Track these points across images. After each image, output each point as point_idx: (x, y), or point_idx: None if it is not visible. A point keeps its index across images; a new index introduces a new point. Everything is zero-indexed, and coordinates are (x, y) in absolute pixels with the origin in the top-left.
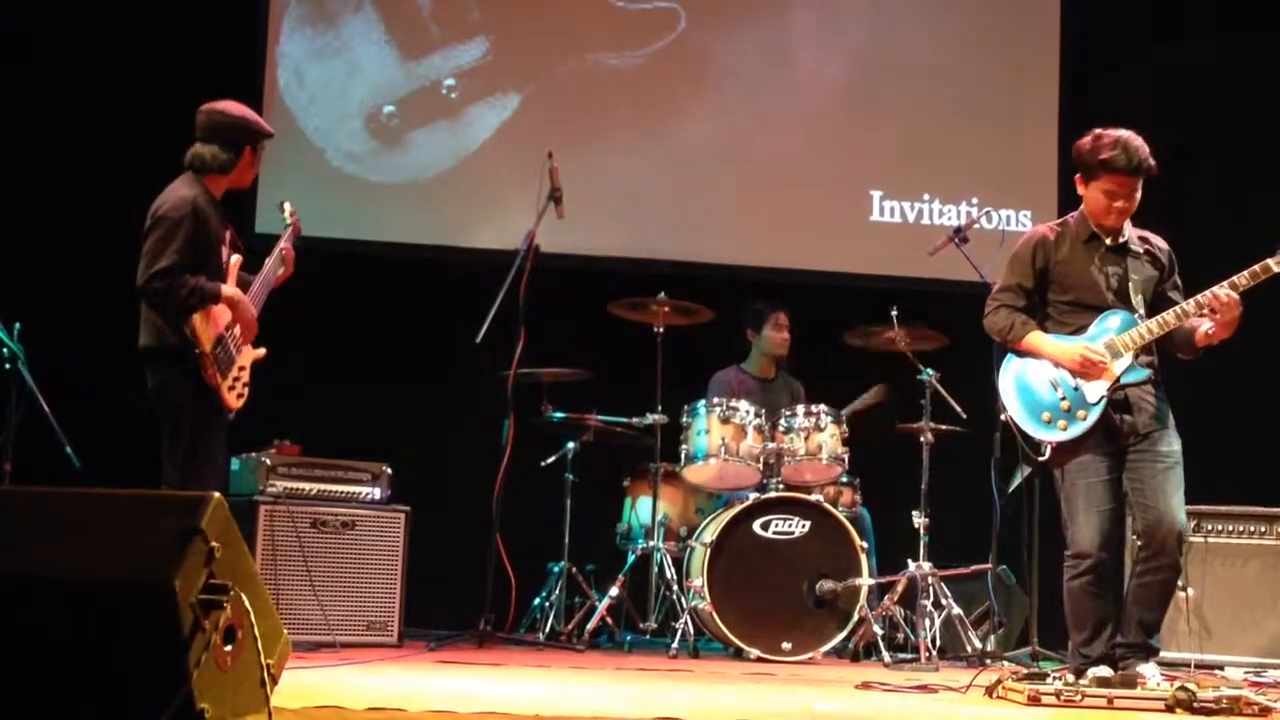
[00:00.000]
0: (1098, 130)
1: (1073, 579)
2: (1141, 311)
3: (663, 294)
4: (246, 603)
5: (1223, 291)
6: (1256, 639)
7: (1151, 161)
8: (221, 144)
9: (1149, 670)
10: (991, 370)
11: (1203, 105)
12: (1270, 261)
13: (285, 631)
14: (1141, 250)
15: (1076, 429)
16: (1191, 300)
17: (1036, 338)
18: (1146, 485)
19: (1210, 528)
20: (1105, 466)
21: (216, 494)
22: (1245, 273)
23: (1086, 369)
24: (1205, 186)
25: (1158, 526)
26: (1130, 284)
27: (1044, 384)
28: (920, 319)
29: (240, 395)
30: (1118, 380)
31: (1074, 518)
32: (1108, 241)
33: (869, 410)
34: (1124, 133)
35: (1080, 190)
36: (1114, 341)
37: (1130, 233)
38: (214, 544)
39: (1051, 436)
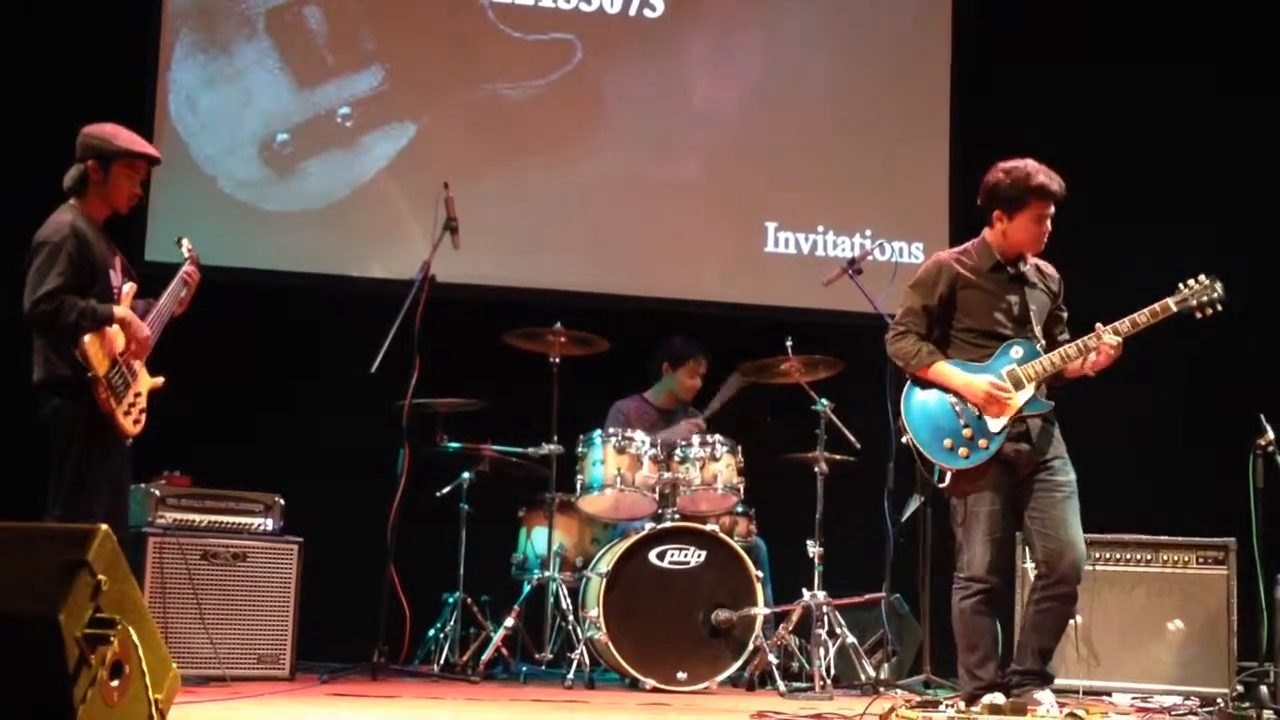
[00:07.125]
0: (1005, 164)
1: (965, 599)
2: (1042, 341)
3: (559, 324)
4: (134, 637)
5: (1112, 339)
6: (1143, 665)
7: None
8: (76, 163)
9: (1045, 697)
10: (885, 401)
11: (1088, 136)
12: (1170, 301)
13: (174, 666)
14: (1036, 279)
15: (979, 456)
16: (1094, 336)
17: (942, 368)
18: (1047, 515)
19: (1098, 555)
20: (1002, 498)
21: (104, 526)
22: (1145, 311)
23: (990, 404)
24: (1082, 217)
25: (1059, 555)
26: (1031, 313)
27: (947, 410)
28: (814, 349)
29: (137, 421)
30: (1020, 411)
31: (971, 544)
32: (1009, 270)
33: (732, 403)
34: (1032, 161)
35: (1000, 225)
36: (1017, 372)
37: (1028, 262)
38: (100, 577)
39: (953, 464)
